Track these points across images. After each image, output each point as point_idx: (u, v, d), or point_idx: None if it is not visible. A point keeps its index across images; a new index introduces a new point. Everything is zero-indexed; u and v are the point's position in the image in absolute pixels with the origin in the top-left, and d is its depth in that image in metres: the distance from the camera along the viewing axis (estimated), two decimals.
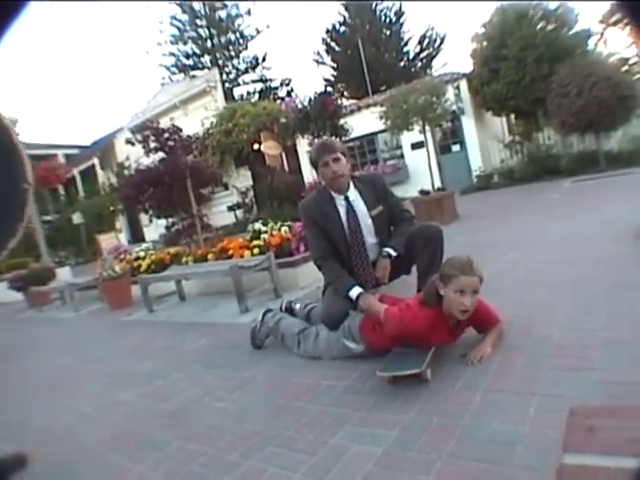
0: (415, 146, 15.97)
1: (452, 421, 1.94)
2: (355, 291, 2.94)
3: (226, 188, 21.19)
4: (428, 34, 31.12)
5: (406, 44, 31.63)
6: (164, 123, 12.65)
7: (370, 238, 3.25)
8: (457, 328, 2.60)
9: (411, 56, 31.75)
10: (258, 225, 6.49)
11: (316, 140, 13.06)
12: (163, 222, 15.57)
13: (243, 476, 1.94)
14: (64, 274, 13.30)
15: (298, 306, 3.64)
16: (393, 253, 3.19)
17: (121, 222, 25.35)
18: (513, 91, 14.30)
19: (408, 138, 15.01)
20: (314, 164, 3.30)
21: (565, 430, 1.24)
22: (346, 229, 3.20)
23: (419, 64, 31.54)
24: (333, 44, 32.06)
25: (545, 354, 2.34)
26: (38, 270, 11.10)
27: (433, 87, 10.14)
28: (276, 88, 32.92)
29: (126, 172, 16.40)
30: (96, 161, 27.34)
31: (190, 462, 2.15)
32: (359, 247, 3.20)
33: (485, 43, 15.08)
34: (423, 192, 8.86)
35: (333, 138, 12.28)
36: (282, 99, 24.27)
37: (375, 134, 17.69)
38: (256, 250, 5.94)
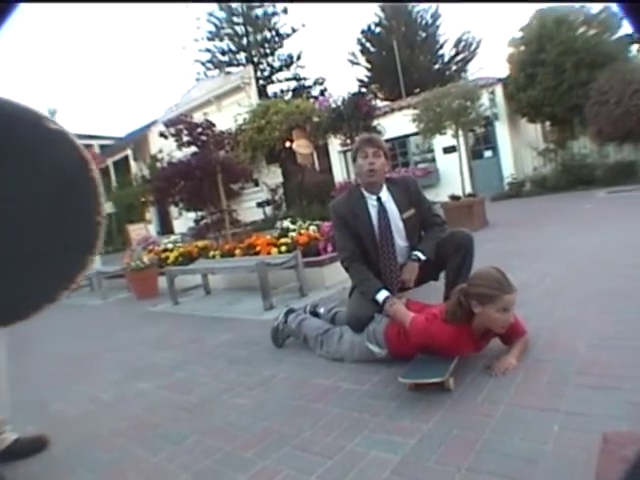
0: (447, 150, 15.84)
1: (472, 434, 1.90)
2: (382, 295, 2.91)
3: (256, 184, 21.29)
4: (464, 37, 30.87)
5: (441, 47, 31.42)
6: (197, 118, 12.75)
7: (400, 241, 3.20)
8: (483, 339, 2.55)
9: (446, 59, 31.55)
10: (286, 223, 6.51)
11: (348, 140, 13.03)
12: (192, 215, 15.72)
13: (258, 475, 1.93)
14: (94, 262, 13.49)
15: (322, 309, 3.62)
16: (422, 257, 3.15)
17: (151, 213, 25.65)
18: (549, 97, 14.04)
19: (440, 142, 14.89)
20: (354, 155, 3.24)
21: (598, 458, 1.18)
22: (376, 230, 3.15)
23: (454, 67, 31.30)
24: (368, 45, 31.99)
25: (571, 370, 2.28)
26: None
27: (467, 91, 10.02)
28: (310, 87, 32.97)
29: (158, 165, 16.56)
30: (129, 153, 27.73)
31: (206, 457, 2.15)
32: (388, 249, 3.15)
33: (522, 47, 14.86)
34: (454, 197, 8.78)
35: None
36: (315, 98, 24.29)
37: (407, 136, 17.57)
38: (283, 248, 5.95)
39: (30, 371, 4.05)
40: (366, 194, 3.21)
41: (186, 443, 2.34)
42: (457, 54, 31.33)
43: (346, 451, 1.97)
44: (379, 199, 3.19)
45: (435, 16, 30.94)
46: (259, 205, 20.29)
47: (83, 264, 0.86)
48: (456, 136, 9.90)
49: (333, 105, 13.51)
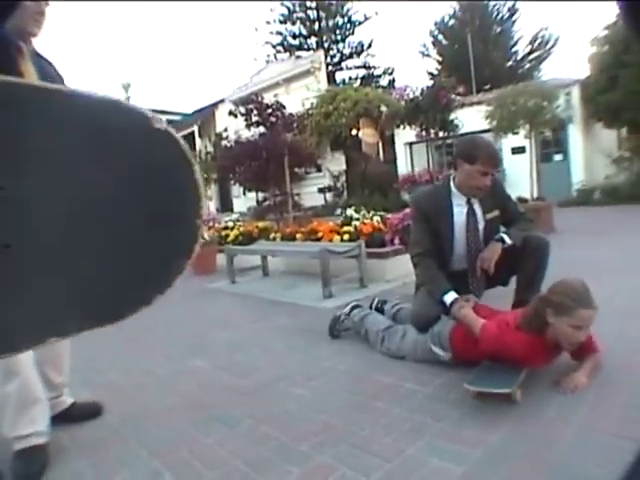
0: (515, 151, 15.39)
1: (541, 453, 1.82)
2: (450, 297, 2.81)
3: (319, 170, 21.24)
4: (541, 34, 29.63)
5: (516, 43, 30.34)
6: (267, 99, 12.80)
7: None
8: (554, 352, 2.45)
9: (519, 56, 30.46)
10: (350, 211, 6.46)
11: (424, 132, 12.83)
12: (252, 195, 15.83)
13: (313, 470, 1.90)
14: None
15: (387, 306, 3.58)
16: (508, 240, 3.02)
17: (212, 190, 26.01)
18: (632, 102, 13.33)
19: (509, 142, 14.46)
20: (469, 159, 2.97)
21: None
22: (462, 232, 3.09)
23: (527, 65, 30.21)
24: (441, 37, 31.35)
25: None
26: None
27: (545, 91, 9.69)
28: (379, 76, 32.58)
29: (223, 143, 16.72)
30: (196, 129, 28.10)
31: (259, 444, 2.14)
32: (476, 253, 3.08)
33: (606, 47, 14.17)
34: (521, 200, 8.53)
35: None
36: (384, 87, 23.98)
37: (477, 133, 17.13)
38: (346, 236, 5.91)
39: (83, 339, 4.12)
40: (456, 193, 3.11)
41: (240, 428, 2.33)
42: (532, 52, 30.15)
43: (406, 455, 1.93)
44: (469, 200, 3.11)
45: (512, 10, 29.85)
46: (320, 191, 20.23)
47: (180, 268, 0.86)
48: (528, 137, 9.61)
49: (411, 95, 13.38)
